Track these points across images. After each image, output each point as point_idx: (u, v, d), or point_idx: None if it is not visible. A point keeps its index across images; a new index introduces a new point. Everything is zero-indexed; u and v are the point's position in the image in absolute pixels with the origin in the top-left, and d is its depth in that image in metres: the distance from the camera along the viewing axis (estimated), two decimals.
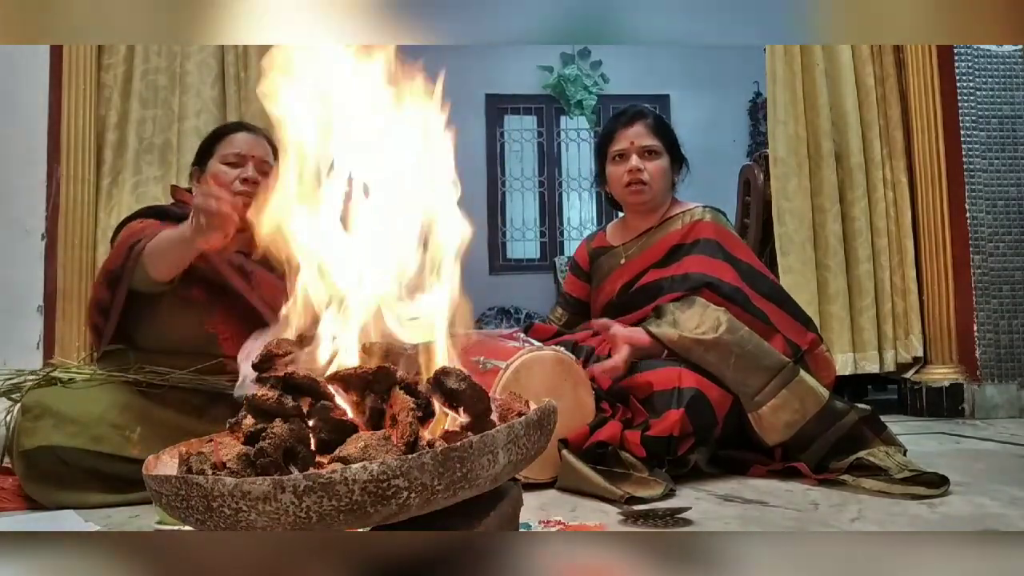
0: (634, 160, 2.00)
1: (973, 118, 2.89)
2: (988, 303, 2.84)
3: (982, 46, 2.91)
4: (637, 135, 2.02)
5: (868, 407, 1.68)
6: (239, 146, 1.82)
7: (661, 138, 2.03)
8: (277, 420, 0.80)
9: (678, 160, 2.08)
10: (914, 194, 2.97)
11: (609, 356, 1.80)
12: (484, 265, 6.23)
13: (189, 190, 1.91)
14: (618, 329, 1.82)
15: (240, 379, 0.89)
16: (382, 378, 0.85)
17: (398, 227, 0.95)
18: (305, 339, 0.92)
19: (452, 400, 0.87)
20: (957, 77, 2.90)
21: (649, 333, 1.79)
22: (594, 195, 6.53)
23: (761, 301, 1.85)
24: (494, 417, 0.91)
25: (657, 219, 2.05)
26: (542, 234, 6.51)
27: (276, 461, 0.76)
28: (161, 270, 1.62)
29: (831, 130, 2.99)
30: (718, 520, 1.31)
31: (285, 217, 0.94)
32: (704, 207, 2.03)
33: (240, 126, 1.92)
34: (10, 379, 1.69)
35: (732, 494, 1.51)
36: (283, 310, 0.95)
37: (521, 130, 6.55)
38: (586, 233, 6.18)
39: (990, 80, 2.91)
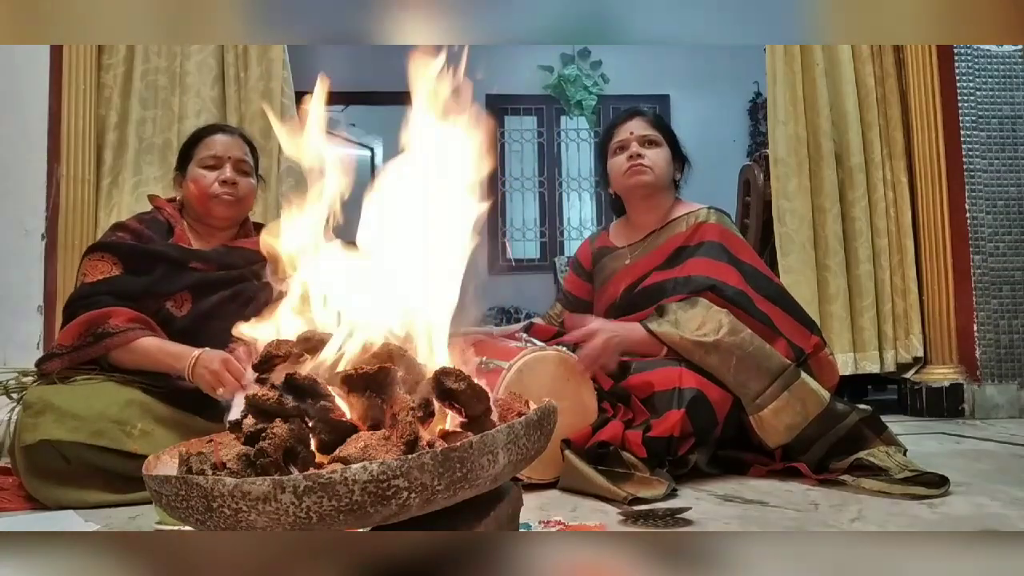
0: (634, 147, 2.01)
1: (973, 118, 2.89)
2: (988, 303, 2.84)
3: (982, 46, 2.91)
4: (636, 126, 2.03)
5: (868, 408, 1.68)
6: (215, 148, 1.84)
7: (660, 131, 2.04)
8: (277, 420, 0.80)
9: (679, 157, 2.08)
10: (914, 194, 2.97)
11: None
12: (484, 265, 6.23)
13: (173, 199, 1.92)
14: (602, 325, 1.82)
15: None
16: (382, 378, 0.85)
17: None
18: (305, 341, 0.92)
19: (452, 400, 0.87)
20: (957, 77, 2.90)
21: (649, 331, 1.78)
22: (594, 195, 6.53)
23: (765, 304, 1.85)
24: (494, 417, 0.91)
25: (661, 220, 2.05)
26: (542, 234, 6.51)
27: (276, 461, 0.76)
28: (127, 366, 1.66)
29: (831, 130, 2.99)
30: (718, 520, 1.31)
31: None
32: (709, 208, 2.03)
33: (215, 128, 1.94)
34: (22, 378, 1.70)
35: (732, 494, 1.51)
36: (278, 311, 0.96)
37: (521, 130, 6.54)
38: (586, 233, 6.23)
39: (990, 80, 2.91)
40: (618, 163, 2.04)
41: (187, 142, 1.92)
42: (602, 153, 2.13)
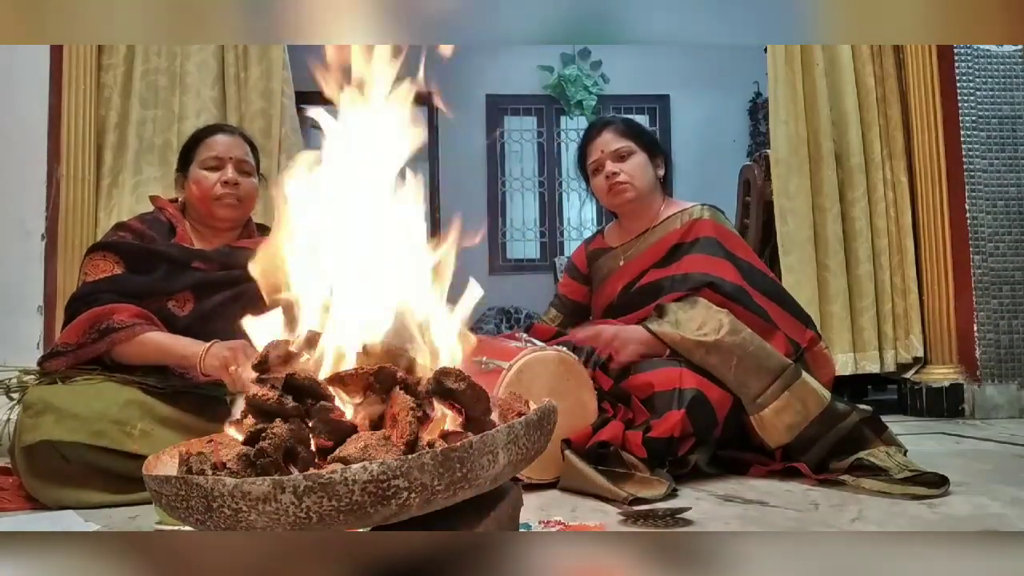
0: (608, 166, 2.01)
1: (973, 118, 2.89)
2: (988, 303, 2.84)
3: (982, 46, 2.91)
4: (605, 143, 2.04)
5: (869, 408, 1.68)
6: (217, 149, 1.84)
7: (631, 139, 2.04)
8: (277, 420, 0.80)
9: (657, 155, 2.08)
10: (914, 194, 2.97)
11: (610, 359, 1.79)
12: (484, 265, 6.23)
13: (175, 199, 1.92)
14: (609, 330, 1.82)
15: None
16: (382, 378, 0.85)
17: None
18: (307, 341, 0.92)
19: (452, 400, 0.87)
20: (957, 77, 2.90)
21: (650, 331, 1.79)
22: (594, 195, 6.53)
23: (763, 299, 1.85)
24: (494, 417, 0.91)
25: (653, 220, 2.05)
26: (542, 234, 6.51)
27: (276, 461, 0.76)
28: (132, 361, 1.66)
29: (831, 130, 2.99)
30: (718, 520, 1.31)
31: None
32: (703, 205, 2.03)
33: (216, 128, 1.93)
34: (23, 376, 1.70)
35: (732, 494, 1.51)
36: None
37: (521, 130, 6.55)
38: (586, 233, 6.23)
39: (990, 80, 2.91)
40: (598, 184, 2.06)
41: (188, 143, 1.91)
42: (582, 172, 2.14)
